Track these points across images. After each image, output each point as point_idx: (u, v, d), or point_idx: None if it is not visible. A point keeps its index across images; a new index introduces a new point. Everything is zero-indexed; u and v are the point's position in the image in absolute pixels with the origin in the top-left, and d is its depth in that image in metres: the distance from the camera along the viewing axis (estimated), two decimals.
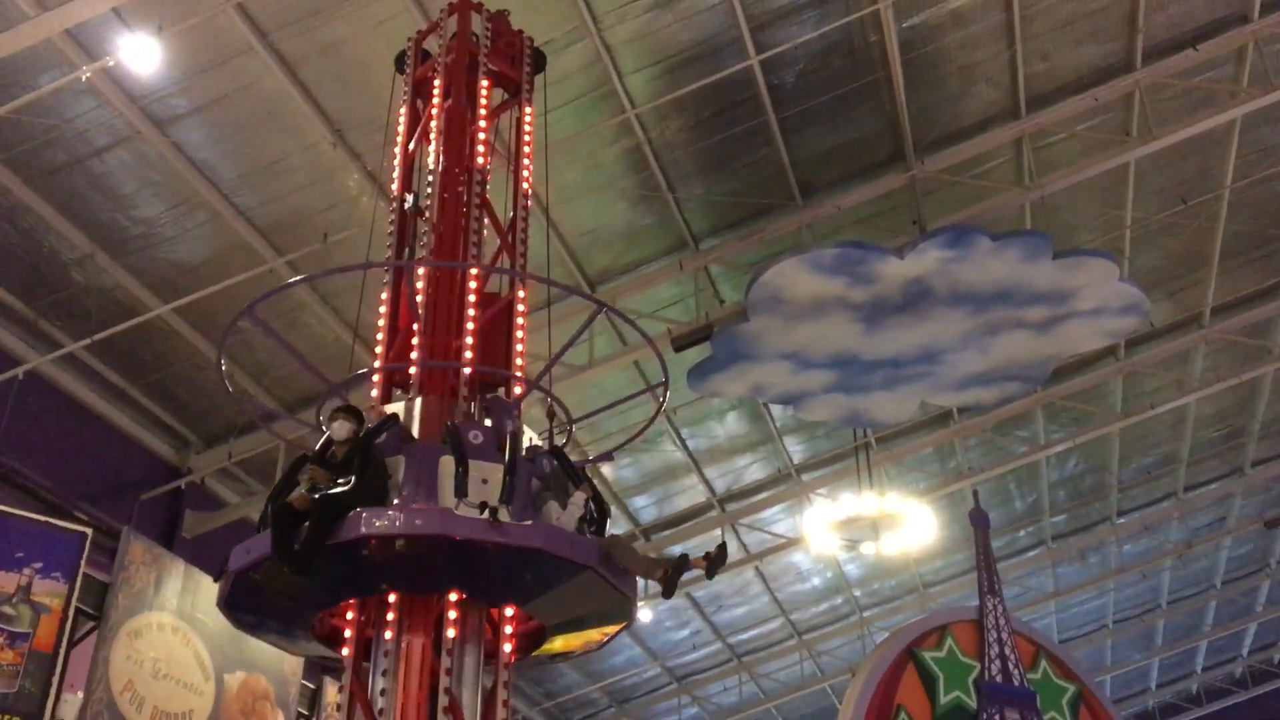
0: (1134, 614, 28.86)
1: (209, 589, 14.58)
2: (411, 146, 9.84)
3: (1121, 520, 24.50)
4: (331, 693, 16.81)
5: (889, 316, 15.09)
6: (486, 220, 9.44)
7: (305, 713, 17.07)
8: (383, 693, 7.25)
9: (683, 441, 18.82)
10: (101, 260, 13.51)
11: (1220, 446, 23.24)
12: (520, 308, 9.01)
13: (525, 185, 9.79)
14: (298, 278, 11.43)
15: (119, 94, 11.89)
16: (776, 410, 18.48)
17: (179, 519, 16.15)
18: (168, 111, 12.33)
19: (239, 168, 13.06)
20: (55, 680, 12.64)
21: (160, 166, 12.80)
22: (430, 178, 9.31)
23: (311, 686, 17.19)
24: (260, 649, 15.48)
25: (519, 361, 8.84)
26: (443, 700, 7.26)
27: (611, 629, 8.21)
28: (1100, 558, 26.05)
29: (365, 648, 7.66)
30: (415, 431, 7.93)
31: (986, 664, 18.66)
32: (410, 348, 8.57)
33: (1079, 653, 25.22)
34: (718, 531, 20.05)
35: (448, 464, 7.36)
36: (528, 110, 10.11)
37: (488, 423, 7.87)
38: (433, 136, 9.52)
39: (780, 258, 14.27)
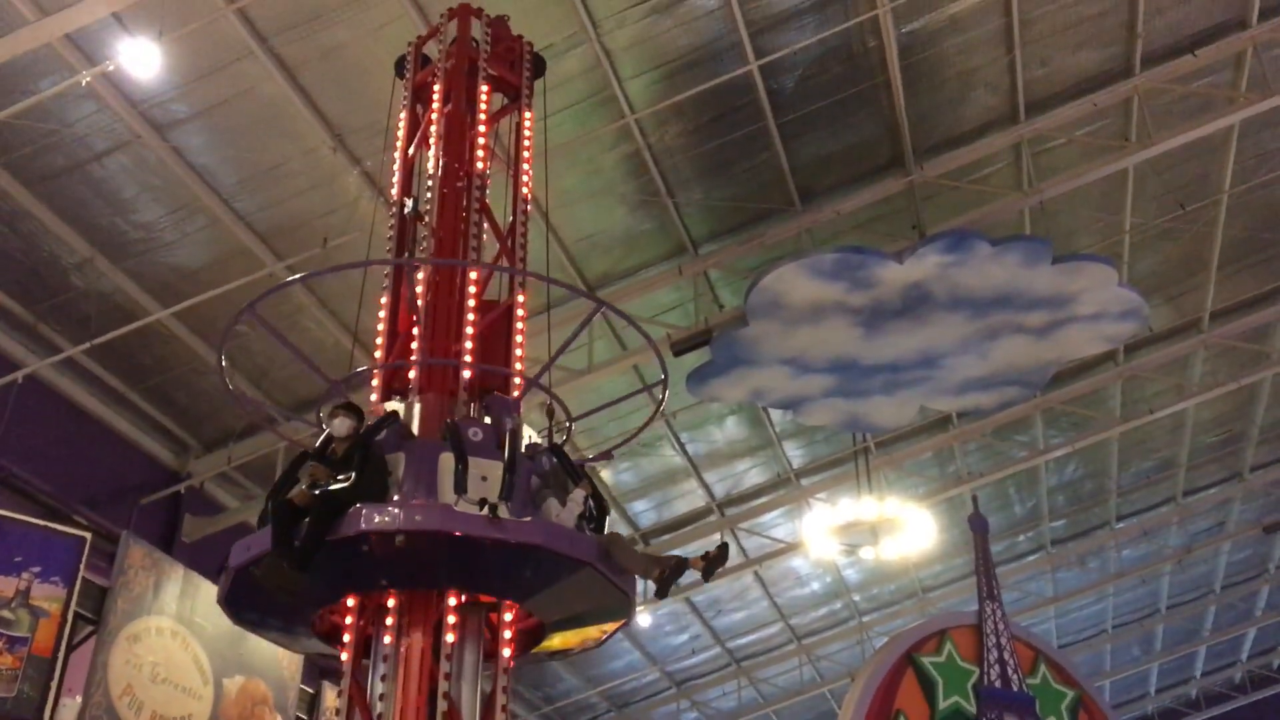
0: (1133, 619, 28.84)
1: (208, 593, 14.62)
2: (411, 151, 9.87)
3: (1121, 525, 24.50)
4: (330, 697, 16.78)
5: (888, 321, 15.10)
6: (486, 225, 9.46)
7: (304, 717, 17.04)
8: (382, 697, 7.25)
9: (682, 446, 18.82)
10: (101, 265, 13.51)
11: (1219, 451, 23.24)
12: (520, 312, 9.03)
13: (525, 190, 9.81)
14: (298, 275, 11.45)
15: (119, 99, 11.90)
16: (776, 415, 18.49)
17: (178, 523, 16.15)
18: (168, 116, 12.35)
19: (239, 172, 13.07)
20: (54, 685, 12.63)
21: (160, 171, 12.81)
22: (430, 182, 9.33)
23: (310, 691, 17.17)
24: (259, 653, 15.50)
25: (519, 366, 8.85)
26: (441, 705, 7.26)
27: (610, 626, 8.23)
28: (1099, 563, 26.04)
29: (364, 650, 7.67)
30: (415, 429, 7.95)
31: (985, 669, 18.67)
32: (410, 351, 8.59)
33: (1078, 658, 25.27)
34: (717, 536, 20.03)
35: (447, 461, 7.40)
36: (527, 115, 10.13)
37: (487, 420, 7.89)
38: (432, 141, 9.54)
39: (779, 262, 14.28)
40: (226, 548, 7.73)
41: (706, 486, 19.92)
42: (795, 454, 19.97)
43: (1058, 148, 15.24)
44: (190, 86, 12.07)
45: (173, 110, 12.30)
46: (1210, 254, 17.64)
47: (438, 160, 9.34)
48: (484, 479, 7.28)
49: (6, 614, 12.51)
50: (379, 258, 9.31)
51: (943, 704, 18.29)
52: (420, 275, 8.85)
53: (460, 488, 7.19)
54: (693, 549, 19.52)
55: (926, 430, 20.05)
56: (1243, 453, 23.37)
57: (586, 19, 12.27)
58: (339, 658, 7.70)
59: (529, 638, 8.19)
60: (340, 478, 7.26)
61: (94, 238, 13.31)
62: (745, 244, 15.10)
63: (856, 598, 24.66)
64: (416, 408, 8.11)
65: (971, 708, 18.36)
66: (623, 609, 7.98)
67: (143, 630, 14.18)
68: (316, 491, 7.18)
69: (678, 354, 14.85)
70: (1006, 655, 18.81)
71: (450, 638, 7.40)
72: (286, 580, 6.97)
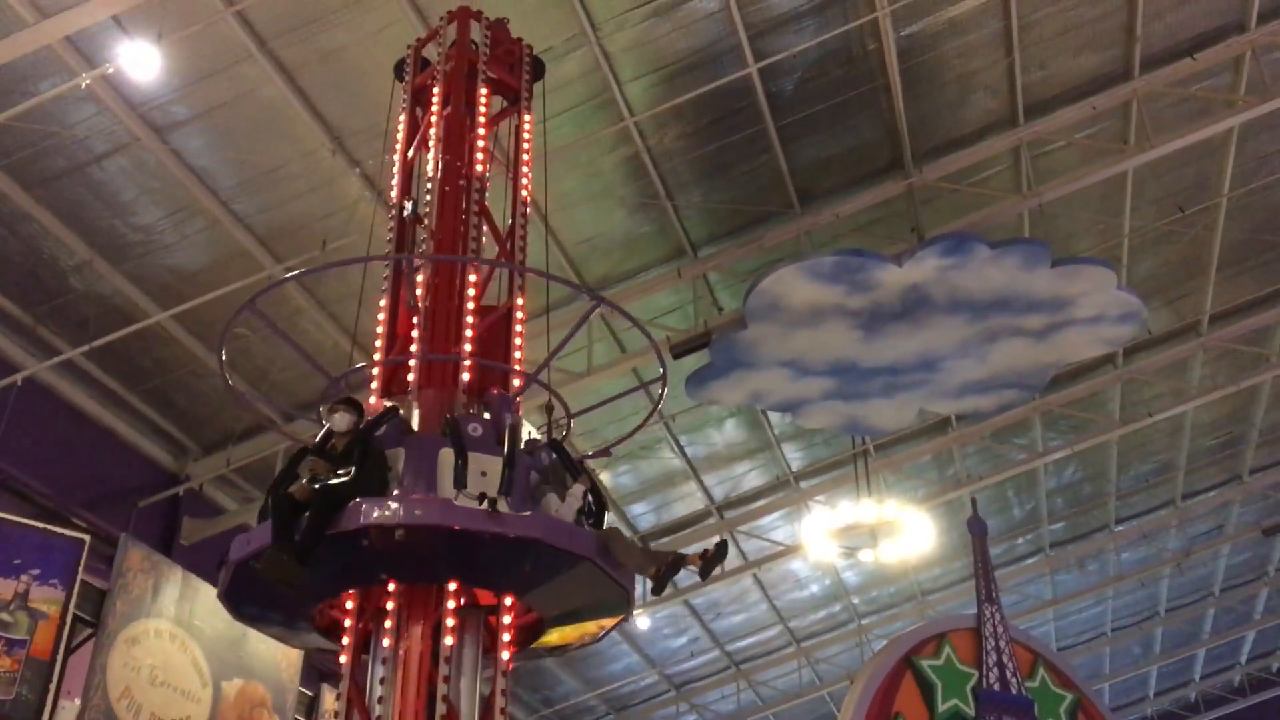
0: (1132, 622, 28.82)
1: (207, 596, 14.62)
2: (410, 154, 9.86)
3: (1120, 528, 24.49)
4: (329, 700, 16.77)
5: (887, 324, 15.10)
6: (485, 228, 9.47)
7: None
8: (380, 700, 7.25)
9: (681, 448, 18.81)
10: (100, 267, 13.51)
11: (1218, 454, 23.24)
12: (519, 315, 9.03)
13: (524, 193, 9.81)
14: (297, 271, 11.48)
15: (118, 101, 11.91)
16: (775, 417, 18.49)
17: (177, 526, 16.14)
18: (167, 118, 12.35)
19: (238, 174, 13.07)
20: (52, 687, 12.63)
21: (159, 173, 12.81)
22: (429, 185, 9.33)
23: (309, 694, 17.16)
24: (258, 656, 15.51)
25: (518, 369, 8.86)
26: (440, 708, 7.26)
27: (608, 622, 8.25)
28: (1098, 565, 26.04)
29: (364, 650, 7.67)
30: (415, 425, 7.97)
31: (984, 672, 18.65)
32: (409, 355, 8.59)
33: (1077, 661, 25.26)
34: (715, 539, 19.94)
35: (447, 456, 7.42)
36: (526, 118, 10.13)
37: (486, 416, 7.90)
38: (432, 144, 9.54)
39: (778, 265, 14.29)
40: (225, 550, 7.74)
41: (705, 489, 19.90)
42: (794, 456, 19.97)
43: (1057, 151, 15.25)
44: (190, 89, 12.08)
45: (172, 112, 12.31)
46: (1209, 257, 17.64)
47: (437, 163, 9.34)
48: (483, 474, 7.32)
49: (5, 616, 12.51)
50: (377, 267, 9.31)
51: (941, 707, 18.26)
52: (419, 279, 8.86)
53: (460, 483, 7.22)
54: (692, 551, 19.51)
55: (925, 433, 20.05)
56: (1242, 455, 23.37)
57: (586, 22, 12.28)
58: (338, 653, 7.70)
59: (528, 633, 8.20)
60: (340, 472, 7.28)
61: (93, 240, 13.31)
62: (744, 247, 15.10)
63: (855, 600, 24.66)
64: (415, 405, 8.13)
65: (970, 711, 18.34)
66: (621, 604, 8.00)
67: (141, 633, 14.18)
68: (316, 486, 7.21)
69: (677, 356, 14.85)
70: (1005, 658, 18.79)
71: (449, 640, 7.41)
72: (287, 573, 6.98)
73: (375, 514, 7.07)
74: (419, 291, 8.78)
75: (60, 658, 12.77)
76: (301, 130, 12.65)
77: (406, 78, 10.29)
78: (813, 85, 13.80)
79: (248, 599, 7.85)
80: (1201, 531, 25.96)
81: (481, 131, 9.62)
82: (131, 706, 13.72)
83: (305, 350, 9.42)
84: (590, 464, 8.37)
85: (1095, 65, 14.62)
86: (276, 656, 15.83)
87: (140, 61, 10.89)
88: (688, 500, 20.18)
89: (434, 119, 9.66)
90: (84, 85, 11.13)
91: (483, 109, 9.72)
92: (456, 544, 7.18)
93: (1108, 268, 15.01)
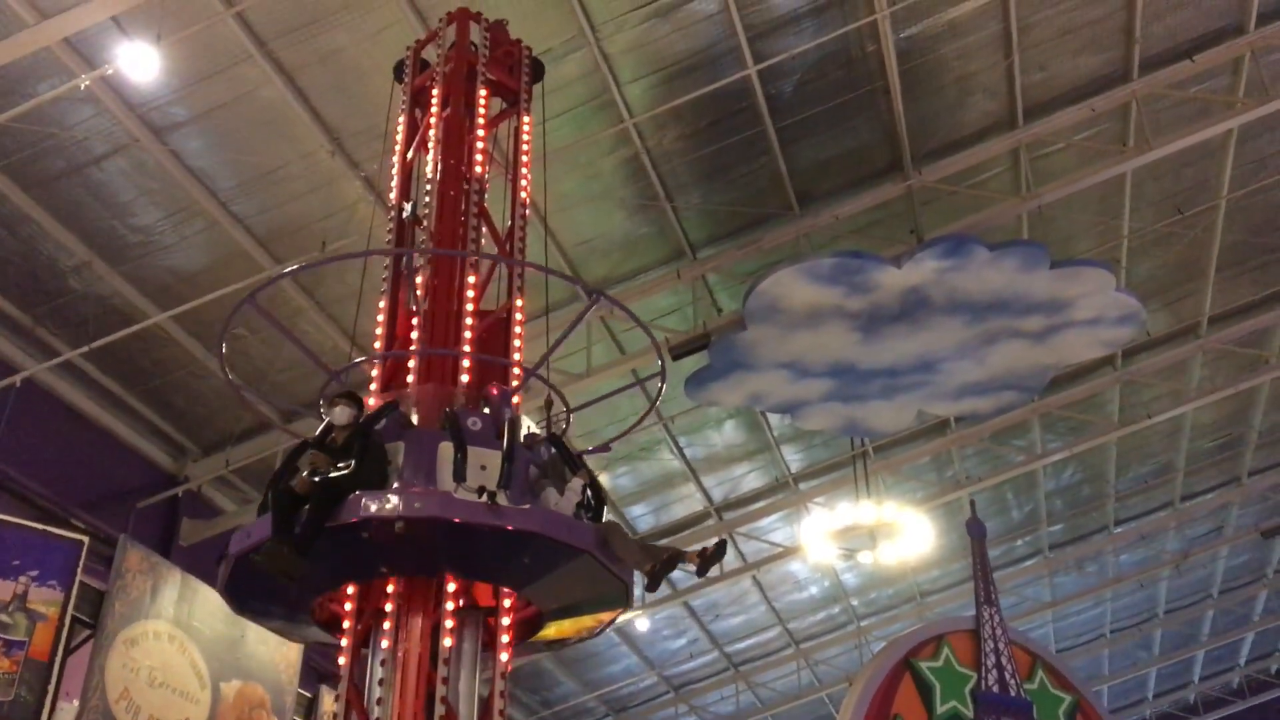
0: (1131, 624, 28.83)
1: (206, 597, 14.62)
2: (410, 155, 9.87)
3: (1118, 530, 24.50)
4: (328, 701, 16.76)
5: (886, 326, 15.11)
6: (485, 229, 9.47)
7: None
8: (379, 701, 7.25)
9: (680, 450, 18.81)
10: (99, 268, 13.50)
11: (1217, 456, 23.24)
12: (518, 315, 9.04)
13: (523, 194, 9.82)
14: (299, 266, 11.44)
15: (117, 102, 11.90)
16: (774, 419, 18.49)
17: (176, 527, 16.14)
18: (166, 119, 12.35)
19: (237, 176, 13.07)
20: (51, 689, 12.62)
21: (158, 174, 12.80)
22: (428, 186, 9.33)
23: (308, 695, 17.15)
24: (257, 657, 15.50)
25: (516, 371, 8.86)
26: (439, 710, 7.26)
27: (607, 616, 8.26)
28: (1097, 567, 26.04)
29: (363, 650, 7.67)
30: (414, 419, 7.98)
31: (983, 674, 18.64)
32: (409, 350, 8.61)
33: (1076, 662, 25.23)
34: (715, 540, 20.00)
35: (447, 450, 7.44)
36: (526, 119, 10.14)
37: (486, 411, 7.91)
38: (431, 145, 9.54)
39: (778, 267, 14.29)
40: (225, 545, 7.74)
41: (704, 490, 19.90)
42: (793, 458, 19.98)
43: (1056, 153, 15.25)
44: (189, 90, 12.07)
45: (171, 113, 12.30)
46: (1208, 259, 17.65)
47: (436, 164, 9.35)
48: (483, 468, 7.33)
49: (4, 618, 12.51)
50: (376, 269, 9.31)
51: (940, 709, 18.26)
52: (419, 280, 8.87)
53: (459, 476, 7.24)
54: (690, 550, 19.52)
55: (924, 435, 20.05)
56: (1241, 457, 23.37)
57: (585, 23, 12.28)
58: (339, 647, 7.71)
59: (526, 627, 8.22)
60: (340, 465, 7.30)
61: (92, 241, 13.31)
62: (743, 248, 15.10)
63: (854, 602, 24.66)
64: (415, 401, 8.15)
65: (969, 713, 18.33)
66: (620, 598, 8.01)
67: (140, 634, 14.17)
68: (316, 479, 7.22)
69: (676, 358, 14.84)
70: (1004, 660, 18.79)
71: (448, 641, 7.41)
72: (287, 566, 6.99)
73: (375, 507, 7.09)
74: (418, 293, 8.79)
75: (59, 659, 12.76)
76: (301, 131, 12.65)
77: (406, 79, 10.30)
78: (812, 87, 13.81)
79: (248, 592, 7.86)
80: (1200, 533, 25.97)
81: (481, 133, 9.63)
82: (130, 708, 13.71)
83: (304, 345, 9.42)
84: (589, 463, 8.37)
85: (1094, 67, 14.63)
86: (275, 658, 15.83)
87: (139, 63, 10.87)
88: (687, 502, 20.18)
89: (433, 120, 9.67)
90: (83, 86, 11.12)
91: (482, 110, 9.73)
92: (455, 537, 7.20)
93: (1107, 269, 15.02)
